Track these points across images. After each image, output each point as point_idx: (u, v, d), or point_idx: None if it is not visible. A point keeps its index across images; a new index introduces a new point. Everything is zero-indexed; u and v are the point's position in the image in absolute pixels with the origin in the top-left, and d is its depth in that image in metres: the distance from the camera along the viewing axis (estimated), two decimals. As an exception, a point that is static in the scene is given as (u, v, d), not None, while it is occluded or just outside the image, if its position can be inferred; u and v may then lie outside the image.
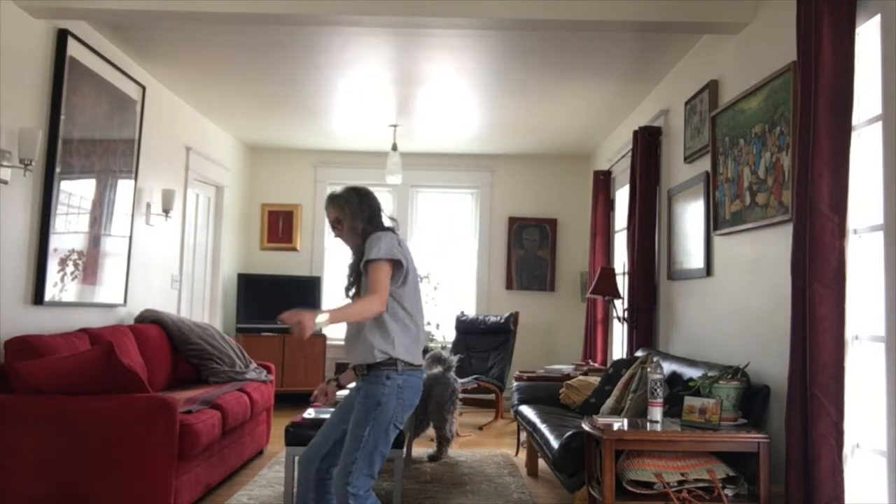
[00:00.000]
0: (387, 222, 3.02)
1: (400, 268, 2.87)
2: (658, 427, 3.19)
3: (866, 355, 2.82)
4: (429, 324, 7.90)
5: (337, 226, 3.05)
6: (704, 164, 4.29)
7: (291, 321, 2.61)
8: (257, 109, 6.46)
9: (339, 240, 3.08)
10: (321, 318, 2.66)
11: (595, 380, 4.88)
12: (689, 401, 3.21)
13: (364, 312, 2.79)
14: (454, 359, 5.37)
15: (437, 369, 5.25)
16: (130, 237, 5.15)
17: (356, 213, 3.02)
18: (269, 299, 7.52)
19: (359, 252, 2.95)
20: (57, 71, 4.19)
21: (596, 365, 6.07)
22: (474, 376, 6.63)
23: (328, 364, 7.52)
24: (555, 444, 3.73)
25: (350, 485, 2.73)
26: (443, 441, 5.19)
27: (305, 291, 7.71)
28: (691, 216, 4.52)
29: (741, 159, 3.76)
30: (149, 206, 5.54)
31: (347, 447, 2.79)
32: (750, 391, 3.26)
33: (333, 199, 3.08)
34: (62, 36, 4.21)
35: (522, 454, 5.19)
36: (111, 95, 4.79)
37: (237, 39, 4.72)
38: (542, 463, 4.86)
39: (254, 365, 5.46)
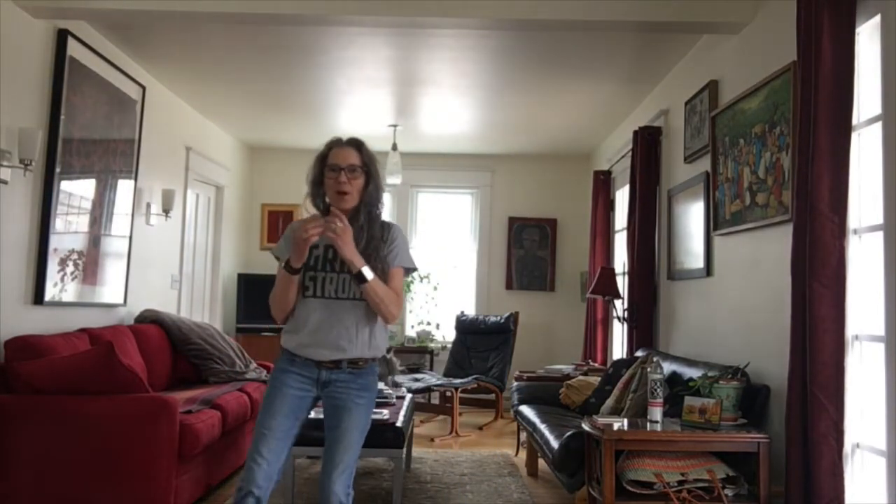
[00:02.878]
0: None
1: None
2: (658, 427, 3.19)
3: (866, 355, 2.82)
4: (429, 324, 7.91)
5: (350, 175, 2.56)
6: (704, 164, 4.29)
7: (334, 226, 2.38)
8: (257, 109, 6.46)
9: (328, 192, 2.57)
10: (367, 270, 2.46)
11: (595, 380, 4.88)
12: (689, 401, 3.21)
13: (389, 305, 2.53)
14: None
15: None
16: (130, 237, 5.15)
17: (380, 182, 2.65)
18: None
19: (361, 227, 2.56)
20: (57, 71, 4.19)
21: (596, 365, 6.07)
22: (474, 376, 6.64)
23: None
24: (555, 444, 3.73)
25: (351, 488, 2.55)
26: None
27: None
28: (691, 216, 4.52)
29: (741, 159, 3.76)
30: (149, 206, 5.54)
31: (352, 449, 2.52)
32: (750, 391, 3.26)
33: (362, 146, 2.65)
34: (62, 36, 4.21)
35: (522, 454, 5.19)
36: (111, 95, 4.79)
37: (237, 39, 4.72)
38: (542, 463, 4.86)
39: (254, 365, 5.46)
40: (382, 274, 2.56)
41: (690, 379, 3.44)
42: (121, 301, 5.03)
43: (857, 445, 2.83)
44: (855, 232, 2.86)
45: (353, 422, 2.55)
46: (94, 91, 4.58)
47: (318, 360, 2.56)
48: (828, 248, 2.72)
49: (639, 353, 4.74)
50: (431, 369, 7.48)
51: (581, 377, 5.11)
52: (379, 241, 2.59)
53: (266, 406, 2.56)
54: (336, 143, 2.64)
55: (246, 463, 2.50)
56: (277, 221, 8.04)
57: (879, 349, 2.65)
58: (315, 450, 4.08)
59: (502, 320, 7.07)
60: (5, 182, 3.76)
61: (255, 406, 4.78)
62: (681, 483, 3.01)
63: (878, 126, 2.71)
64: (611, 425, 3.18)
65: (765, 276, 3.50)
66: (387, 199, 8.82)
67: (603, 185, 6.70)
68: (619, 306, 5.77)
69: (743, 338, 3.74)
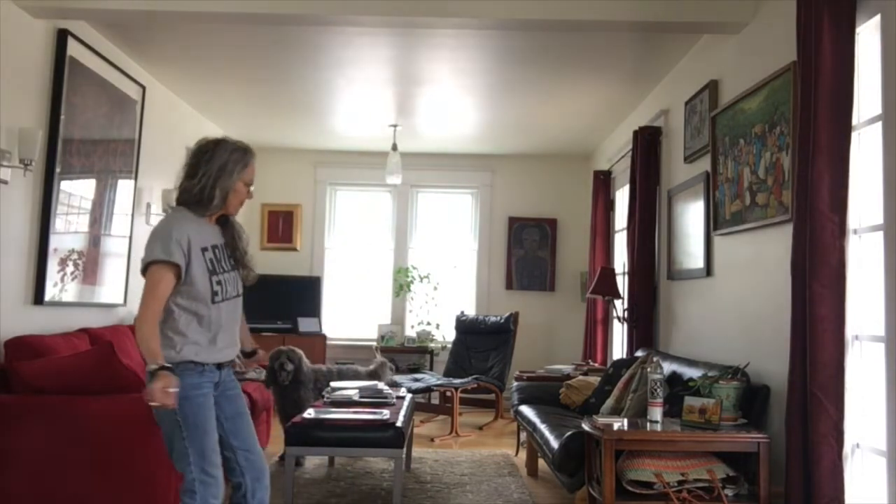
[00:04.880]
0: None
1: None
2: (658, 427, 3.19)
3: (866, 355, 2.82)
4: (429, 324, 7.90)
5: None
6: (704, 164, 4.29)
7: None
8: (257, 109, 6.46)
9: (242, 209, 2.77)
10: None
11: (595, 380, 4.88)
12: (689, 401, 3.21)
13: None
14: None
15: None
16: (130, 237, 5.15)
17: None
18: (269, 299, 7.51)
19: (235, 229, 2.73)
20: (57, 71, 4.19)
21: (596, 365, 6.07)
22: (474, 376, 6.64)
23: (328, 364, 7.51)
24: (555, 444, 3.73)
25: None
26: None
27: (305, 291, 7.71)
28: (691, 216, 4.52)
29: (741, 159, 3.76)
30: (149, 206, 5.54)
31: (254, 433, 2.76)
32: (750, 391, 3.26)
33: None
34: (62, 36, 4.21)
35: (522, 454, 5.19)
36: (111, 95, 4.79)
37: (237, 39, 4.72)
38: (542, 463, 4.86)
39: (254, 365, 5.46)
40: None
41: (690, 379, 3.44)
42: (121, 301, 5.03)
43: (857, 445, 2.83)
44: (855, 232, 2.85)
45: (245, 405, 2.77)
46: (94, 91, 4.58)
47: (225, 361, 2.65)
48: (828, 248, 2.72)
49: (639, 353, 4.74)
50: (431, 369, 7.48)
51: (581, 377, 5.11)
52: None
53: (206, 427, 2.54)
54: (253, 157, 2.68)
55: (215, 480, 2.53)
56: (277, 221, 8.04)
57: (879, 349, 2.65)
58: (316, 449, 4.10)
59: (502, 320, 7.07)
60: (5, 182, 3.76)
61: (255, 406, 4.78)
62: (681, 483, 3.01)
63: (878, 126, 2.71)
64: (611, 425, 3.18)
65: (765, 276, 3.50)
66: (387, 199, 8.85)
67: (603, 185, 6.70)
68: (619, 306, 5.77)
69: (743, 338, 3.74)
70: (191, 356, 2.51)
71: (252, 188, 2.70)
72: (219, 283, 2.59)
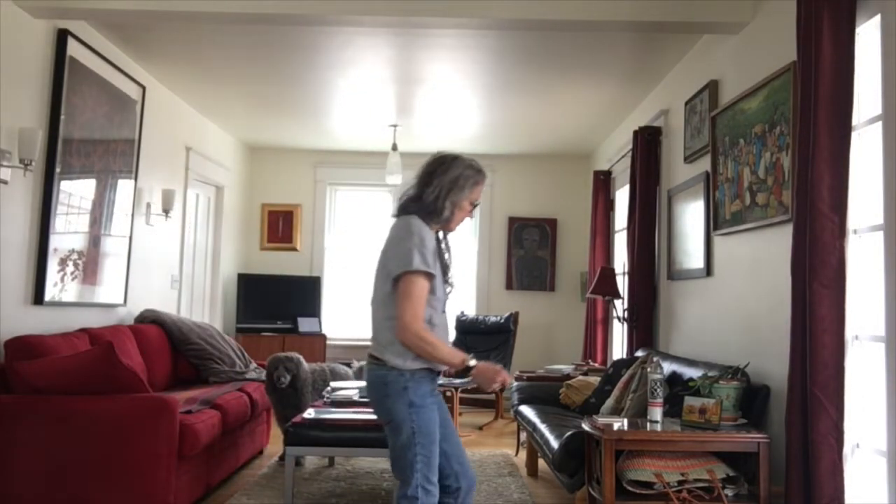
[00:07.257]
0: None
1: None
2: (658, 427, 3.19)
3: (866, 355, 2.82)
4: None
5: None
6: (704, 164, 4.29)
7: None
8: (257, 109, 6.46)
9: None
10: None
11: (595, 380, 4.88)
12: (689, 401, 3.21)
13: None
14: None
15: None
16: (130, 237, 5.15)
17: None
18: (269, 299, 7.53)
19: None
20: (57, 71, 4.19)
21: (596, 365, 6.07)
22: (474, 376, 6.62)
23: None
24: (555, 444, 3.73)
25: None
26: None
27: (305, 291, 7.71)
28: (691, 216, 4.52)
29: (741, 159, 3.76)
30: (149, 206, 5.54)
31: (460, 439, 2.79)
32: (750, 391, 3.26)
33: None
34: (62, 36, 4.21)
35: (522, 454, 5.19)
36: (111, 95, 4.79)
37: (237, 39, 4.72)
38: (542, 463, 4.86)
39: (254, 365, 5.46)
40: None
41: (690, 379, 3.44)
42: (121, 301, 5.03)
43: (857, 445, 2.83)
44: (855, 232, 2.85)
45: (447, 409, 2.74)
46: (94, 91, 4.58)
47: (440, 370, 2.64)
48: (828, 248, 2.72)
49: (639, 353, 4.74)
50: (431, 369, 7.46)
51: (581, 377, 5.11)
52: None
53: (435, 436, 2.58)
54: (484, 178, 2.71)
55: (435, 489, 2.57)
56: (277, 221, 8.04)
57: (879, 349, 2.65)
58: (316, 449, 4.09)
59: (502, 320, 7.07)
60: (5, 182, 3.76)
61: (256, 406, 4.77)
62: (681, 483, 3.01)
63: (878, 126, 2.71)
64: (611, 425, 3.18)
65: (765, 276, 3.50)
66: (387, 199, 8.84)
67: (603, 185, 6.70)
68: (619, 306, 5.77)
69: (743, 338, 3.74)
70: (423, 363, 2.54)
71: (476, 209, 2.73)
72: (446, 292, 2.66)
